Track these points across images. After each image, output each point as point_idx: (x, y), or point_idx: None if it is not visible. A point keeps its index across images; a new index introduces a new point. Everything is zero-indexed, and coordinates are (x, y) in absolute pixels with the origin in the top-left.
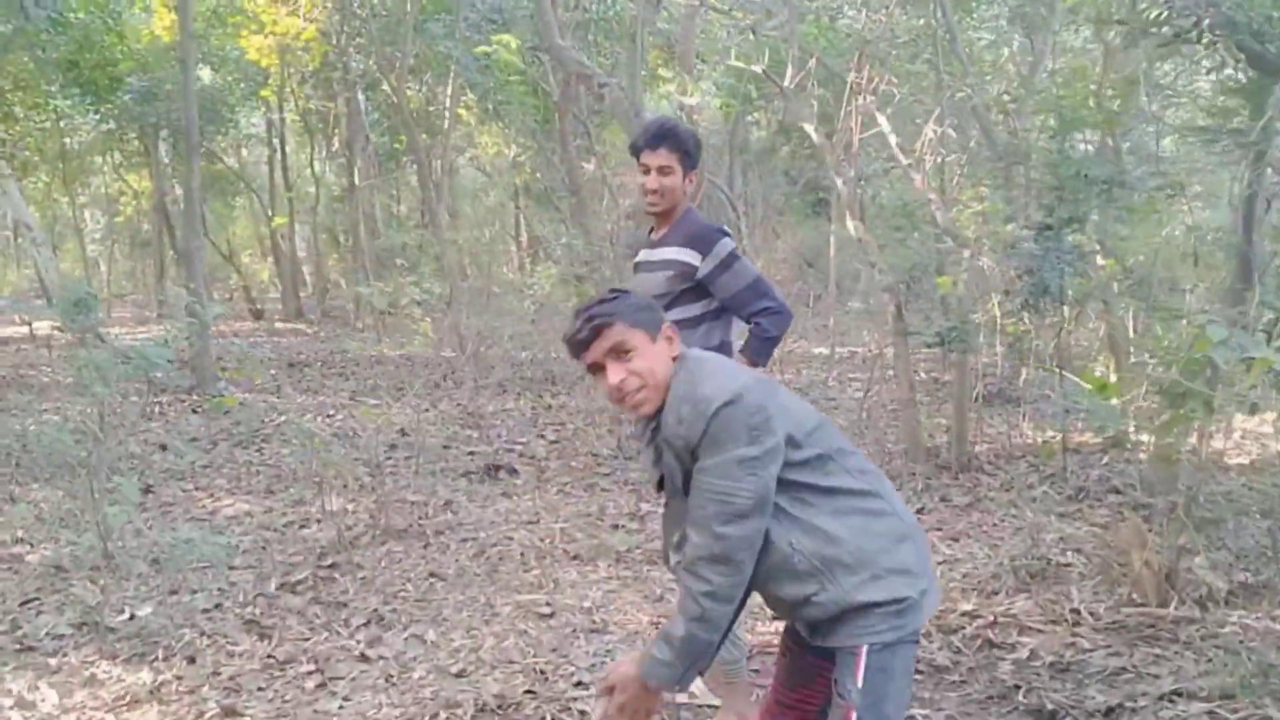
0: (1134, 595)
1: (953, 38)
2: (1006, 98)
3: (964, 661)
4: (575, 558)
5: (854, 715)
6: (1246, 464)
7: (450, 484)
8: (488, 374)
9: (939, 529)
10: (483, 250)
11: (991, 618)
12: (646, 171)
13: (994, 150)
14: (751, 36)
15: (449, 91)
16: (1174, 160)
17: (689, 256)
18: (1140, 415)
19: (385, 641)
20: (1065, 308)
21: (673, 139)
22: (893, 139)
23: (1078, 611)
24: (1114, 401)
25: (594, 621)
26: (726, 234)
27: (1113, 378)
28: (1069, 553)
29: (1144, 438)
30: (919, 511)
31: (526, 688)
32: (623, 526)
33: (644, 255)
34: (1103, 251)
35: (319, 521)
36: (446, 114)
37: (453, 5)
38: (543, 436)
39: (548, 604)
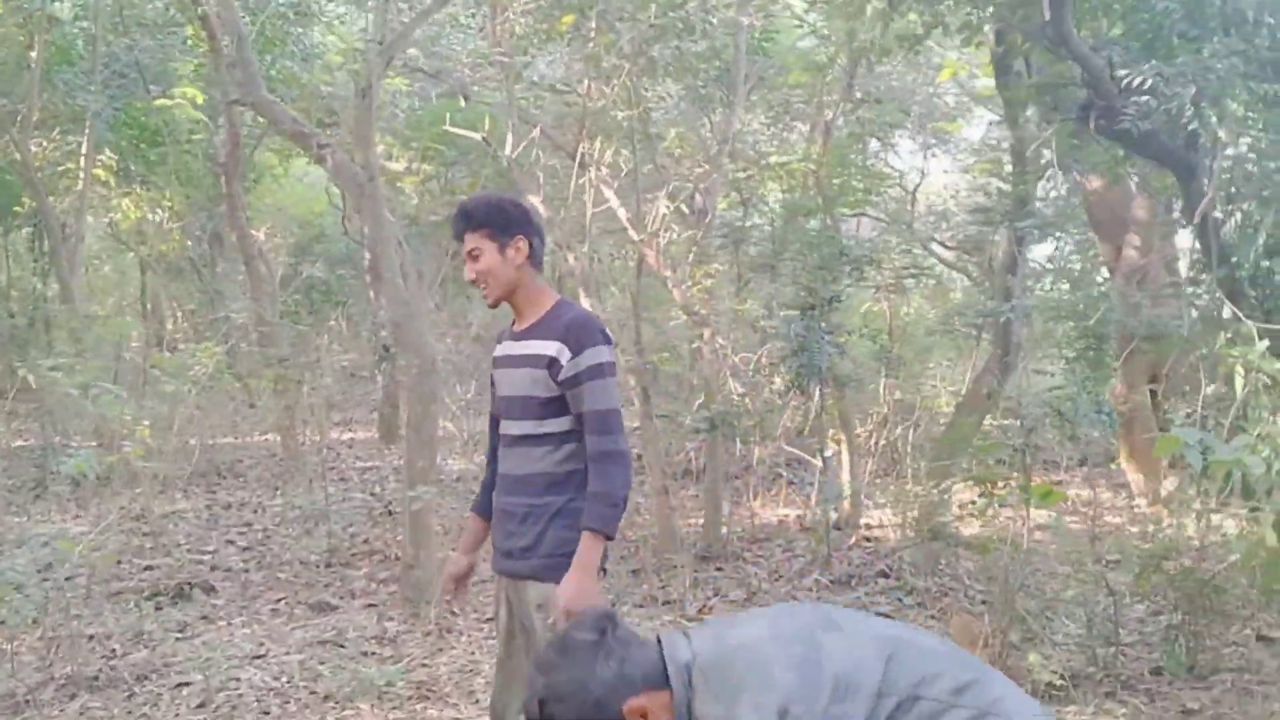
0: None
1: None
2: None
3: None
4: (327, 699)
5: None
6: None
7: (135, 611)
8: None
9: None
10: (116, 327)
11: None
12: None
13: (720, 229)
14: (463, 103)
15: (84, 150)
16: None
17: (554, 350)
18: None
19: None
20: (826, 387)
21: (465, 219)
22: (623, 213)
23: None
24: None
25: None
26: (608, 339)
27: (845, 455)
28: None
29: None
30: (699, 610)
31: None
32: (373, 654)
33: (503, 349)
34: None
35: None
36: (81, 174)
37: (88, 55)
38: (231, 543)
39: None
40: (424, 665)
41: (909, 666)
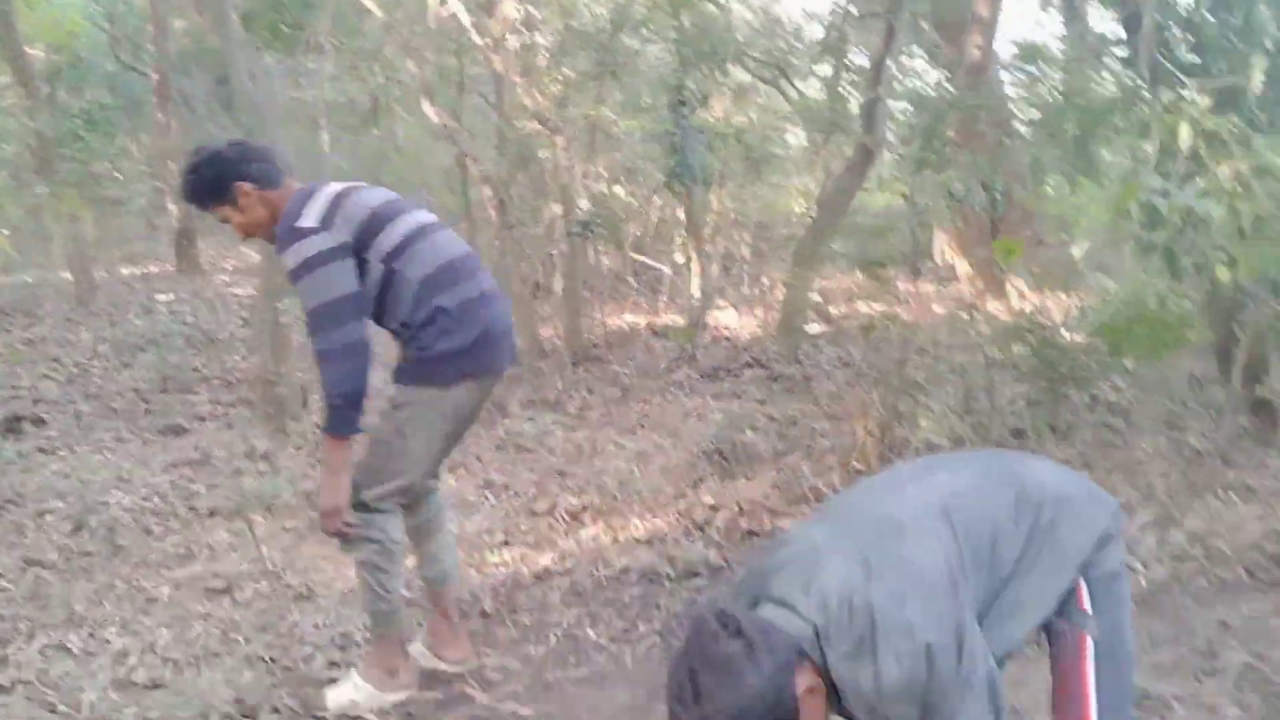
0: (858, 465)
1: None
2: None
3: (736, 557)
4: (213, 514)
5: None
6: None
7: None
8: None
9: (609, 424)
10: None
11: (738, 507)
12: None
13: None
14: None
15: None
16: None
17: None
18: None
19: (13, 661)
20: (702, 186)
21: (192, 203)
22: (466, 18)
23: (815, 488)
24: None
25: (291, 587)
26: (302, 233)
27: (693, 258)
28: (760, 432)
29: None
30: (579, 409)
31: (268, 683)
32: (247, 470)
33: None
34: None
35: None
36: None
37: None
38: (47, 377)
39: (216, 575)
40: (307, 476)
41: (974, 525)
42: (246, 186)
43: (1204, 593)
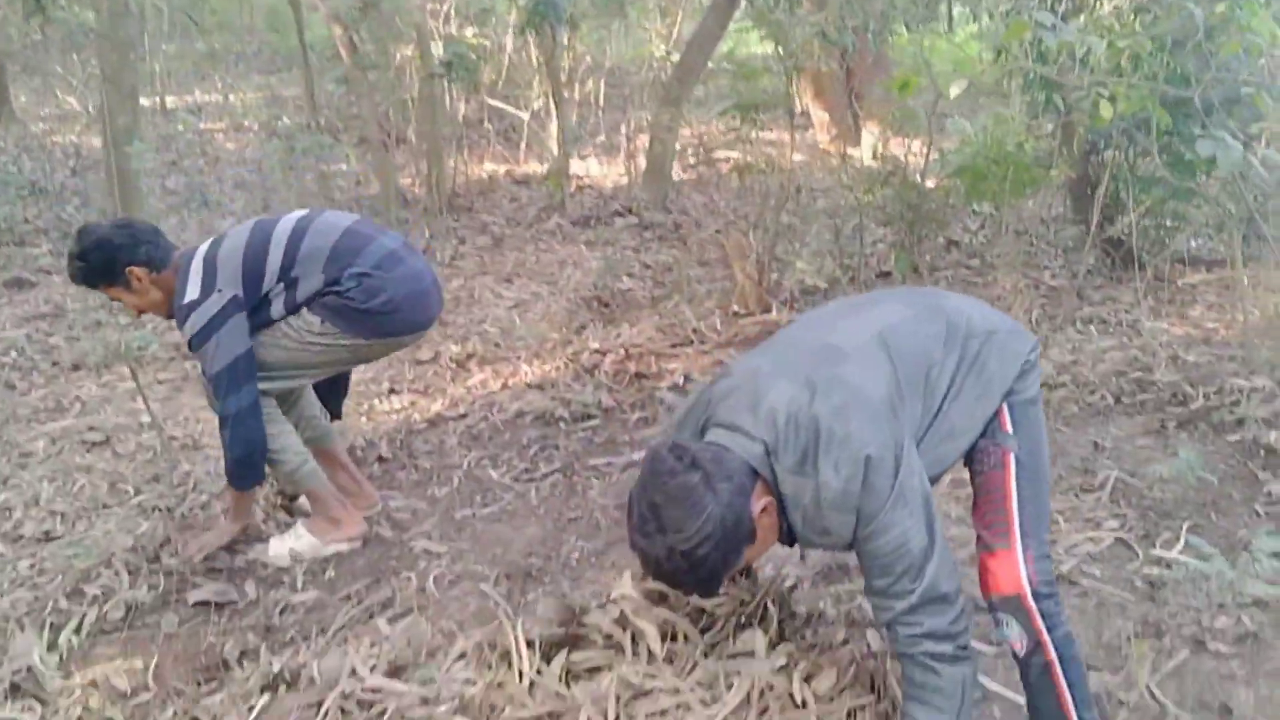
0: (738, 308)
1: None
2: None
3: (627, 398)
4: (77, 368)
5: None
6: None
7: None
8: None
9: (484, 272)
10: None
11: (624, 352)
12: None
13: None
14: None
15: None
16: None
17: None
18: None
19: None
20: (564, 27)
21: (82, 284)
22: None
23: (698, 330)
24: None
25: (177, 439)
26: (191, 307)
27: (551, 105)
28: (637, 278)
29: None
30: (454, 259)
31: (165, 532)
32: (108, 323)
33: None
34: None
35: None
36: None
37: None
38: None
39: (93, 429)
40: (171, 329)
41: (909, 354)
42: (139, 271)
43: (1075, 418)
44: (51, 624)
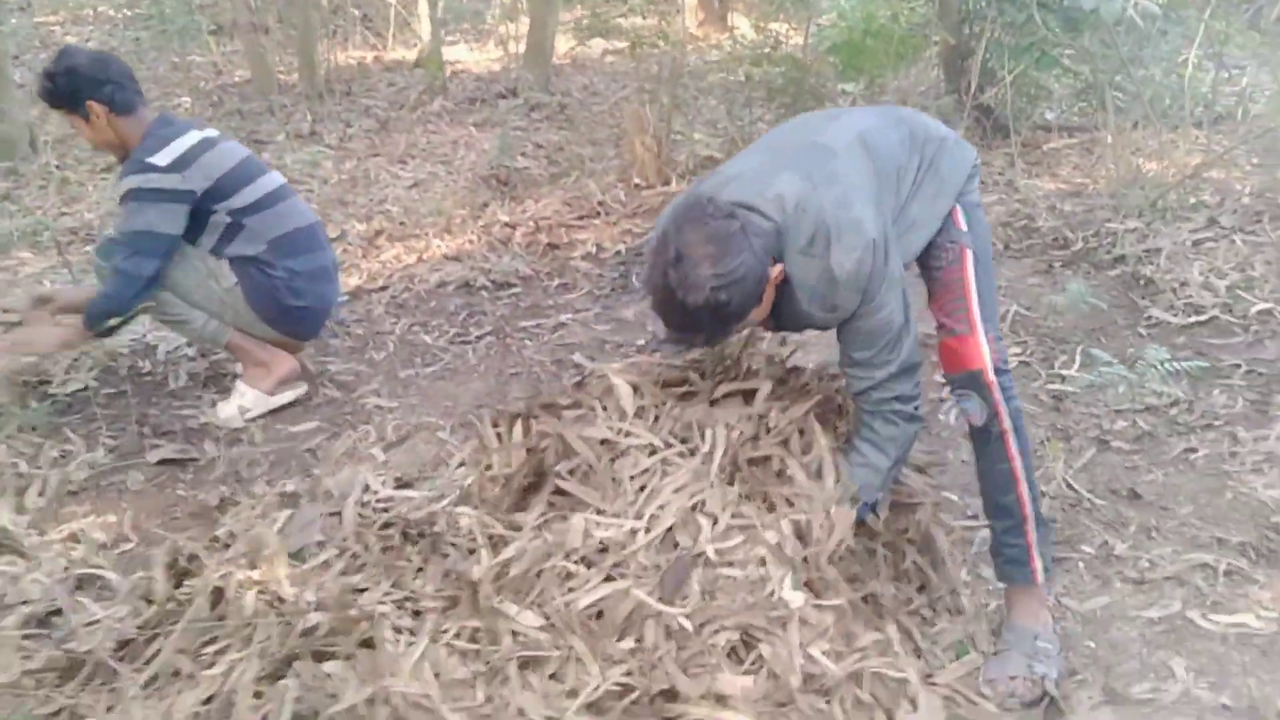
0: (639, 180)
1: None
2: None
3: (544, 267)
4: None
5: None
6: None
7: None
8: None
9: (376, 154)
10: None
11: (534, 224)
12: None
13: None
14: None
15: None
16: None
17: None
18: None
19: None
20: None
21: (46, 102)
22: None
23: (604, 203)
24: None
25: None
26: (151, 168)
27: None
28: (531, 157)
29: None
30: (342, 141)
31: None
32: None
33: None
34: None
35: None
36: None
37: None
38: None
39: (6, 311)
40: (64, 214)
41: (883, 154)
42: (98, 107)
43: None
44: (15, 489)
